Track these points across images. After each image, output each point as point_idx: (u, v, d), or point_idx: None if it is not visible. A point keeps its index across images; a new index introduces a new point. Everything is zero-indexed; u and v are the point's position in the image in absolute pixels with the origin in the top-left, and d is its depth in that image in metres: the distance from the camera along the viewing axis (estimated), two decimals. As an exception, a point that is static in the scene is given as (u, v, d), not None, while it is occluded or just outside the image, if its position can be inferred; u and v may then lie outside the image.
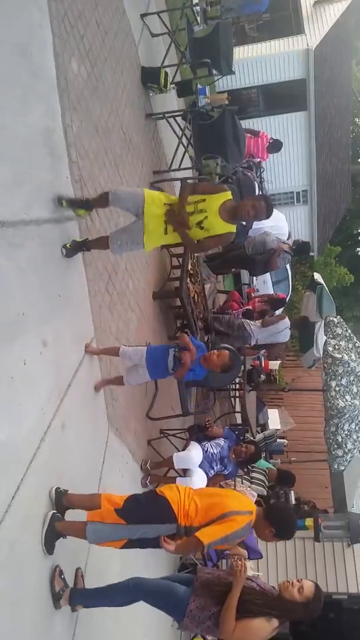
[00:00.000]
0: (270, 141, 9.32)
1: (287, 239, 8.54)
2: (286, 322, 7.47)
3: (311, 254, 17.70)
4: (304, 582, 3.02)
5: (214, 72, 6.84)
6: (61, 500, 3.17)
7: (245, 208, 3.65)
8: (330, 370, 7.64)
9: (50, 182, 3.50)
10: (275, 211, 8.50)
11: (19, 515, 2.73)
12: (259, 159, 8.83)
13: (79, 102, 4.13)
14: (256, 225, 7.75)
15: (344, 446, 7.97)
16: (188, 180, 6.29)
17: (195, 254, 6.14)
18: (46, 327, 3.30)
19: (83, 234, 4.01)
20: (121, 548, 3.17)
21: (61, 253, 3.60)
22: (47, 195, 3.45)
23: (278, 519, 3.16)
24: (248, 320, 7.28)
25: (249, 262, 7.74)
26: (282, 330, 7.48)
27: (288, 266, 11.92)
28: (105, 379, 4.22)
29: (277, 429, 11.77)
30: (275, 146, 9.34)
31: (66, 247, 3.62)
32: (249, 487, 6.06)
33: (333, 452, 7.82)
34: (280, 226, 8.44)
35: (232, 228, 3.68)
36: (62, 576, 3.13)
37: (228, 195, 3.64)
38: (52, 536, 3.07)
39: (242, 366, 7.52)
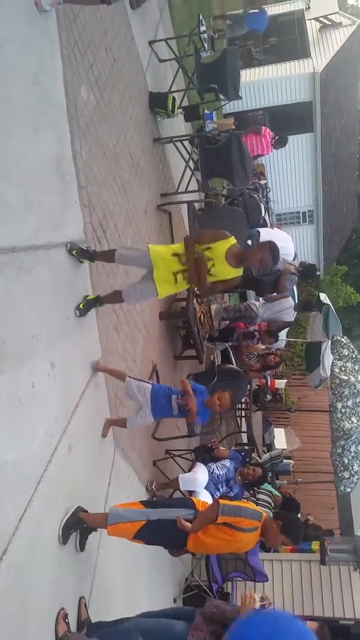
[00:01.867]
0: (276, 138, 9.32)
1: (293, 260, 8.58)
2: (290, 301, 7.69)
3: (317, 273, 17.78)
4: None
5: (221, 97, 6.97)
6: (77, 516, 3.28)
7: (254, 258, 3.76)
8: (336, 392, 7.63)
9: (60, 207, 3.58)
10: (280, 232, 8.58)
11: (26, 537, 2.75)
12: (265, 181, 8.90)
13: (88, 128, 4.23)
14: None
15: (351, 468, 7.93)
16: (194, 204, 6.37)
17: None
18: (54, 349, 3.35)
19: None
20: (135, 537, 3.28)
21: (75, 315, 3.67)
22: (57, 220, 3.52)
23: (285, 515, 3.48)
24: (253, 301, 7.41)
25: (255, 283, 7.78)
26: (287, 309, 7.72)
27: (294, 287, 11.94)
28: (110, 420, 4.21)
29: (283, 449, 11.73)
30: (281, 142, 9.33)
31: (79, 308, 3.71)
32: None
33: (339, 474, 7.77)
34: (287, 247, 8.47)
35: (239, 272, 3.77)
36: (67, 620, 3.09)
37: (232, 240, 3.70)
38: (72, 523, 3.20)
39: (249, 386, 7.54)
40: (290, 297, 7.81)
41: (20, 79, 3.19)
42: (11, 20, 3.12)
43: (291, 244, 8.51)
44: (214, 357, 7.57)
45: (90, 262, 3.93)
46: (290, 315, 7.94)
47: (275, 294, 7.37)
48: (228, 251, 3.65)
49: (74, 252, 3.64)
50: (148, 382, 4.27)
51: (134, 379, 4.24)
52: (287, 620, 1.74)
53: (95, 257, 3.88)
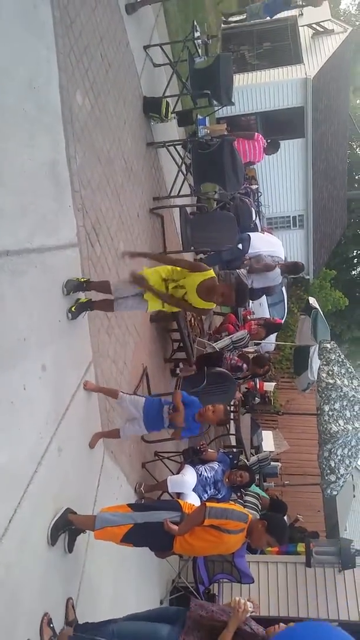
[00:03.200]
0: (268, 141, 9.31)
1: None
2: (277, 271, 7.90)
3: (307, 277, 17.93)
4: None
5: (214, 102, 7.03)
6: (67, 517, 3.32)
7: (217, 294, 3.83)
8: (323, 395, 7.72)
9: (54, 211, 3.62)
10: (271, 236, 8.64)
11: (15, 539, 2.78)
12: (257, 186, 8.96)
13: (82, 133, 4.27)
14: (252, 250, 7.90)
15: (337, 471, 8.02)
16: (187, 209, 6.43)
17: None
18: (46, 351, 3.38)
19: (84, 261, 4.12)
20: (122, 541, 3.32)
21: (67, 317, 3.72)
22: (51, 224, 3.56)
23: (271, 516, 3.63)
24: (242, 270, 7.52)
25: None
26: (275, 277, 7.96)
27: (284, 289, 12.05)
28: (99, 433, 4.24)
29: (271, 452, 11.79)
30: (273, 146, 9.36)
31: (71, 311, 3.75)
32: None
33: (326, 477, 7.86)
34: (276, 251, 8.56)
35: (210, 305, 3.92)
36: (51, 625, 3.09)
37: (208, 274, 3.79)
38: (61, 524, 3.24)
39: (237, 388, 7.60)
40: (277, 268, 7.95)
41: (16, 85, 3.23)
42: (7, 27, 3.15)
43: (281, 249, 8.60)
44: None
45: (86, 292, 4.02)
46: (278, 280, 8.12)
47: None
48: (200, 284, 3.77)
49: (70, 292, 3.74)
50: (140, 396, 4.33)
51: (127, 393, 4.31)
52: (328, 628, 1.80)
53: (93, 287, 3.97)
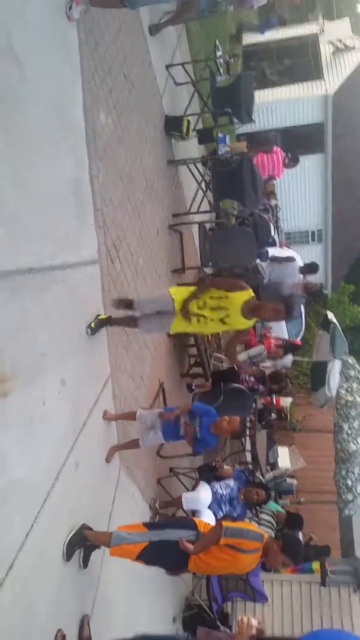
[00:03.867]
0: (289, 156, 9.26)
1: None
2: (295, 264, 8.06)
3: (325, 291, 17.82)
4: None
5: (235, 120, 7.10)
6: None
7: (267, 312, 3.81)
8: (342, 412, 7.67)
9: (76, 229, 3.68)
10: (289, 251, 8.59)
11: (32, 554, 2.81)
12: (276, 202, 8.96)
13: (105, 152, 4.35)
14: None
15: (354, 490, 7.94)
16: (205, 225, 6.48)
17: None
18: (65, 366, 3.43)
19: (104, 277, 4.18)
20: (137, 558, 3.35)
21: (86, 333, 3.78)
22: (73, 241, 3.63)
23: (286, 536, 3.69)
24: (259, 261, 7.61)
25: None
26: (294, 270, 8.06)
27: (302, 307, 11.98)
28: (117, 446, 4.29)
29: (286, 468, 11.69)
30: (294, 160, 9.32)
31: (90, 327, 3.81)
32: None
33: (343, 496, 7.78)
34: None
35: (252, 323, 3.89)
36: None
37: (250, 293, 3.77)
38: (76, 540, 3.27)
39: (254, 404, 7.58)
40: (296, 261, 8.07)
41: (43, 107, 3.31)
42: (36, 53, 3.24)
43: (299, 263, 8.51)
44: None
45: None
46: (295, 276, 8.13)
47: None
48: (245, 303, 3.72)
49: (95, 333, 3.82)
50: (157, 409, 4.39)
51: (144, 409, 4.38)
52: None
53: (118, 305, 4.03)
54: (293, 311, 3.92)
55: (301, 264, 8.33)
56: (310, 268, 8.34)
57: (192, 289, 3.90)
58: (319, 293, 8.67)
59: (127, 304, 4.05)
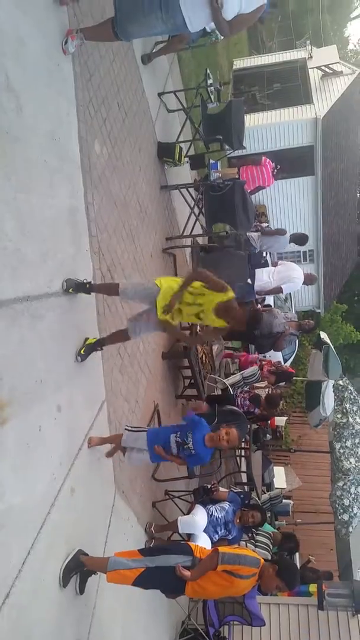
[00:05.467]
0: (278, 167, 9.40)
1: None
2: (285, 238, 8.23)
3: (317, 310, 17.99)
4: None
5: (226, 146, 7.25)
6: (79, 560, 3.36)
7: (230, 316, 3.74)
8: (335, 433, 7.72)
9: (72, 256, 3.75)
10: (283, 266, 8.57)
11: (29, 581, 2.82)
12: (267, 224, 9.11)
13: (100, 181, 4.45)
14: (260, 286, 7.92)
15: (350, 510, 7.94)
16: (198, 248, 6.59)
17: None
18: (61, 392, 3.47)
19: (99, 302, 4.23)
20: (134, 584, 3.35)
21: (75, 360, 3.72)
22: (69, 268, 3.69)
23: (282, 560, 3.64)
24: (253, 234, 7.81)
25: (255, 341, 7.94)
26: (282, 241, 8.26)
27: (297, 341, 12.01)
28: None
29: (282, 489, 11.66)
30: (283, 171, 9.45)
31: (80, 354, 3.74)
32: (253, 550, 6.03)
33: (339, 517, 7.78)
34: (295, 277, 8.39)
35: (223, 323, 3.82)
36: None
37: (229, 295, 3.75)
38: (73, 566, 3.27)
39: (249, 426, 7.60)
40: (286, 235, 8.26)
41: (39, 138, 3.40)
42: (32, 85, 3.34)
43: (296, 278, 8.44)
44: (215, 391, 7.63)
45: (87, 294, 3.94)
46: (285, 246, 8.45)
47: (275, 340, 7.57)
48: (219, 304, 3.72)
49: (70, 290, 3.67)
50: (143, 430, 4.19)
51: (129, 430, 4.18)
52: None
53: (94, 289, 3.92)
54: (253, 329, 3.91)
55: (298, 281, 8.32)
56: (299, 238, 8.50)
57: (178, 281, 3.84)
58: (304, 243, 8.76)
59: (109, 288, 3.98)
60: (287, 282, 8.01)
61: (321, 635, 6.55)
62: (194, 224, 6.82)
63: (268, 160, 9.13)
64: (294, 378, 13.32)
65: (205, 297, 3.75)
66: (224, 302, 3.73)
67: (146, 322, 3.94)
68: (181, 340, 4.04)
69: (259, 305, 8.11)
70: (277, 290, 8.19)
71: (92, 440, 3.95)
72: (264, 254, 9.02)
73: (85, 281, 3.82)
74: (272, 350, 8.08)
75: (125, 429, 4.17)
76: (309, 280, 8.33)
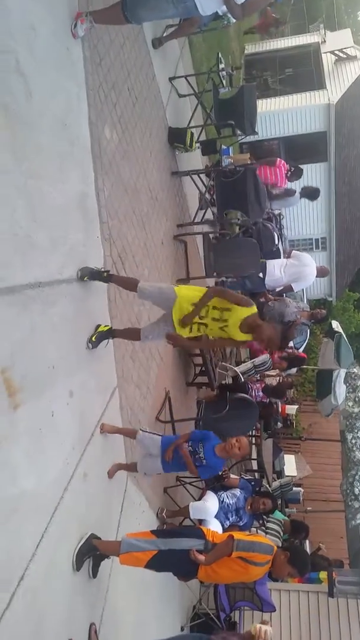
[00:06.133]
0: (292, 170, 9.38)
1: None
2: (297, 196, 8.54)
3: (329, 299, 17.87)
4: None
5: (238, 132, 7.18)
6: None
7: (262, 338, 3.71)
8: (348, 423, 7.70)
9: (83, 242, 3.74)
10: (298, 259, 8.48)
11: (42, 564, 2.85)
12: (279, 211, 9.03)
13: (110, 166, 4.42)
14: (272, 280, 7.82)
15: (361, 498, 7.94)
16: (210, 235, 6.54)
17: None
18: (73, 378, 3.48)
19: (110, 288, 4.22)
20: (146, 567, 3.38)
21: (87, 347, 3.70)
22: (79, 255, 3.68)
23: (294, 547, 3.64)
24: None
25: None
26: (291, 201, 8.68)
27: (307, 330, 11.95)
28: (118, 464, 4.21)
29: (293, 476, 11.68)
30: (297, 174, 9.32)
31: (91, 341, 3.73)
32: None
33: (350, 504, 7.78)
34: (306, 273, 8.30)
35: (249, 338, 3.79)
36: None
37: (253, 309, 3.71)
38: (86, 550, 3.29)
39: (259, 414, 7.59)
40: (295, 195, 8.55)
41: (49, 124, 3.38)
42: (42, 70, 3.32)
43: (308, 273, 8.35)
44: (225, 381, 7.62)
45: (105, 283, 3.94)
46: (297, 200, 8.68)
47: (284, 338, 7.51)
48: (244, 320, 3.67)
49: (85, 278, 3.65)
50: (158, 435, 4.26)
51: (145, 431, 4.27)
52: None
53: (112, 280, 3.89)
54: (287, 343, 3.88)
55: (307, 281, 8.22)
56: (311, 193, 8.63)
57: (197, 293, 3.79)
58: (315, 197, 8.78)
59: (127, 283, 3.96)
60: (298, 279, 7.92)
61: (331, 622, 6.59)
62: (205, 210, 6.77)
63: (283, 162, 9.18)
64: (305, 367, 13.30)
65: (231, 312, 3.70)
66: (249, 316, 3.68)
67: (159, 331, 3.94)
68: (191, 349, 4.04)
69: (270, 294, 8.01)
70: (288, 289, 8.09)
71: (105, 427, 3.97)
72: (276, 242, 8.92)
73: (102, 270, 3.82)
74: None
75: (141, 429, 4.26)
76: (321, 273, 8.27)
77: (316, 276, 8.13)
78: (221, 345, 4.14)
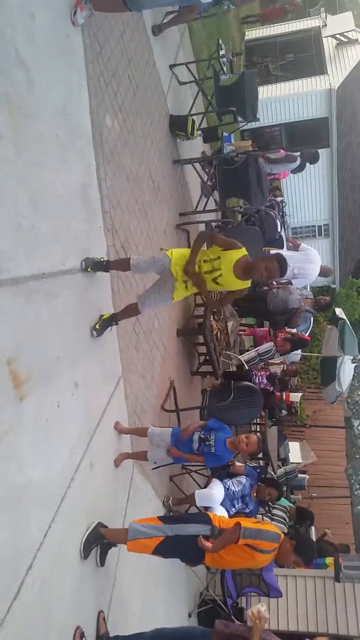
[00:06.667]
0: (309, 152, 9.30)
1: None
2: (297, 162, 8.70)
3: (333, 285, 17.81)
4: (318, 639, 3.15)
5: (239, 118, 7.12)
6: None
7: (259, 269, 3.66)
8: (354, 410, 7.71)
9: (85, 233, 3.73)
10: (306, 254, 8.44)
11: (50, 553, 2.87)
12: (281, 198, 8.98)
13: (112, 155, 4.39)
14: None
15: (366, 485, 7.97)
16: (212, 224, 6.51)
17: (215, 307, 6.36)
18: (78, 368, 3.48)
19: (113, 278, 4.22)
20: (153, 553, 3.40)
21: (91, 335, 3.71)
22: (82, 245, 3.67)
23: (300, 536, 3.66)
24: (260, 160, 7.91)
25: (270, 317, 7.88)
26: (291, 167, 8.82)
27: (311, 318, 11.95)
28: (124, 453, 4.24)
29: (298, 463, 11.73)
30: (314, 158, 9.20)
31: (96, 329, 3.73)
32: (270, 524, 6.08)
33: (356, 492, 7.81)
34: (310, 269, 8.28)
35: (246, 284, 3.75)
36: (84, 638, 3.17)
37: (242, 252, 3.67)
38: (93, 539, 3.32)
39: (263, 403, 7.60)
40: (296, 161, 8.66)
41: (50, 113, 3.35)
42: (42, 59, 3.29)
43: (313, 268, 8.31)
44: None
45: (106, 272, 3.95)
46: (296, 164, 8.77)
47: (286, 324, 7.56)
48: (236, 262, 3.62)
49: (89, 269, 3.66)
50: (168, 428, 4.36)
51: (155, 427, 4.37)
52: None
53: (110, 267, 3.90)
54: (286, 270, 3.84)
55: (314, 273, 8.19)
56: (312, 156, 8.73)
57: (188, 250, 3.76)
58: (315, 161, 8.85)
59: (123, 264, 3.92)
60: (300, 276, 7.90)
61: (338, 607, 6.65)
62: (207, 199, 6.73)
63: (285, 151, 9.19)
64: (309, 354, 13.30)
65: (221, 260, 3.66)
66: (241, 259, 3.64)
67: (155, 297, 3.88)
68: (208, 299, 3.98)
69: (274, 282, 7.98)
70: (286, 284, 8.05)
71: (118, 426, 4.08)
72: (279, 229, 8.87)
73: (102, 259, 3.81)
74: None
75: (152, 425, 4.35)
76: (324, 272, 8.24)
77: (319, 275, 8.14)
78: (229, 300, 4.11)
